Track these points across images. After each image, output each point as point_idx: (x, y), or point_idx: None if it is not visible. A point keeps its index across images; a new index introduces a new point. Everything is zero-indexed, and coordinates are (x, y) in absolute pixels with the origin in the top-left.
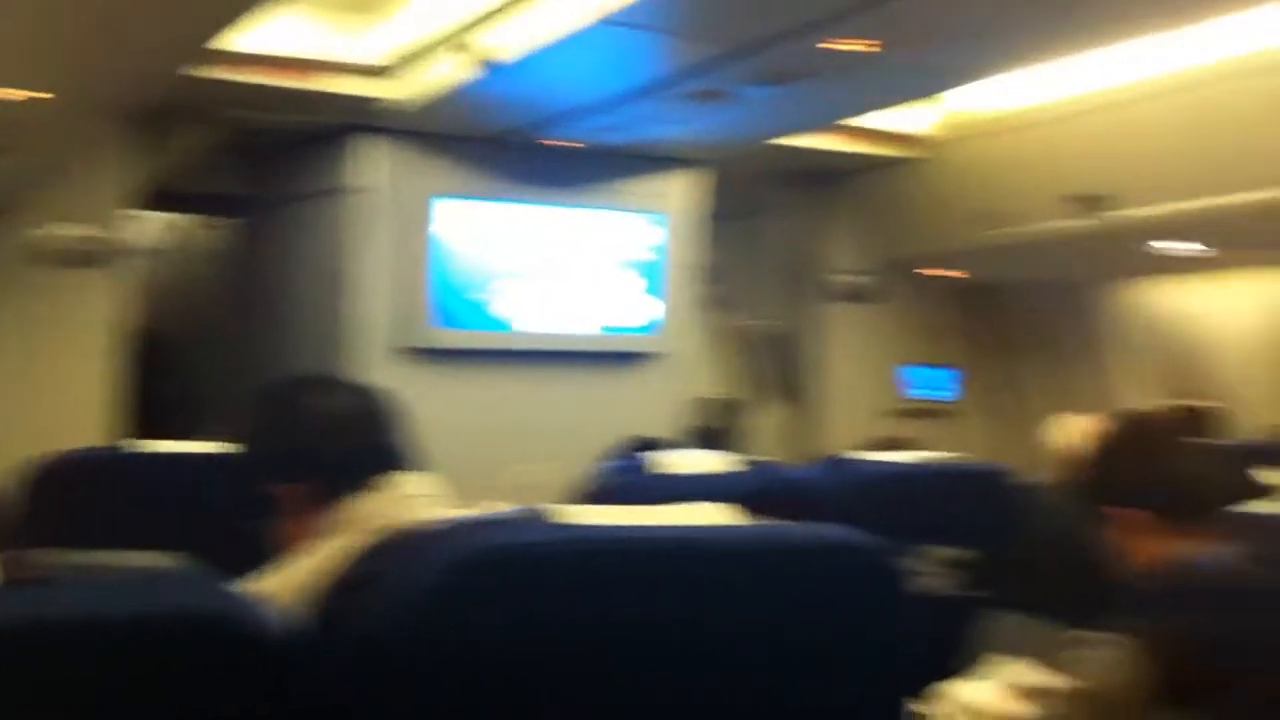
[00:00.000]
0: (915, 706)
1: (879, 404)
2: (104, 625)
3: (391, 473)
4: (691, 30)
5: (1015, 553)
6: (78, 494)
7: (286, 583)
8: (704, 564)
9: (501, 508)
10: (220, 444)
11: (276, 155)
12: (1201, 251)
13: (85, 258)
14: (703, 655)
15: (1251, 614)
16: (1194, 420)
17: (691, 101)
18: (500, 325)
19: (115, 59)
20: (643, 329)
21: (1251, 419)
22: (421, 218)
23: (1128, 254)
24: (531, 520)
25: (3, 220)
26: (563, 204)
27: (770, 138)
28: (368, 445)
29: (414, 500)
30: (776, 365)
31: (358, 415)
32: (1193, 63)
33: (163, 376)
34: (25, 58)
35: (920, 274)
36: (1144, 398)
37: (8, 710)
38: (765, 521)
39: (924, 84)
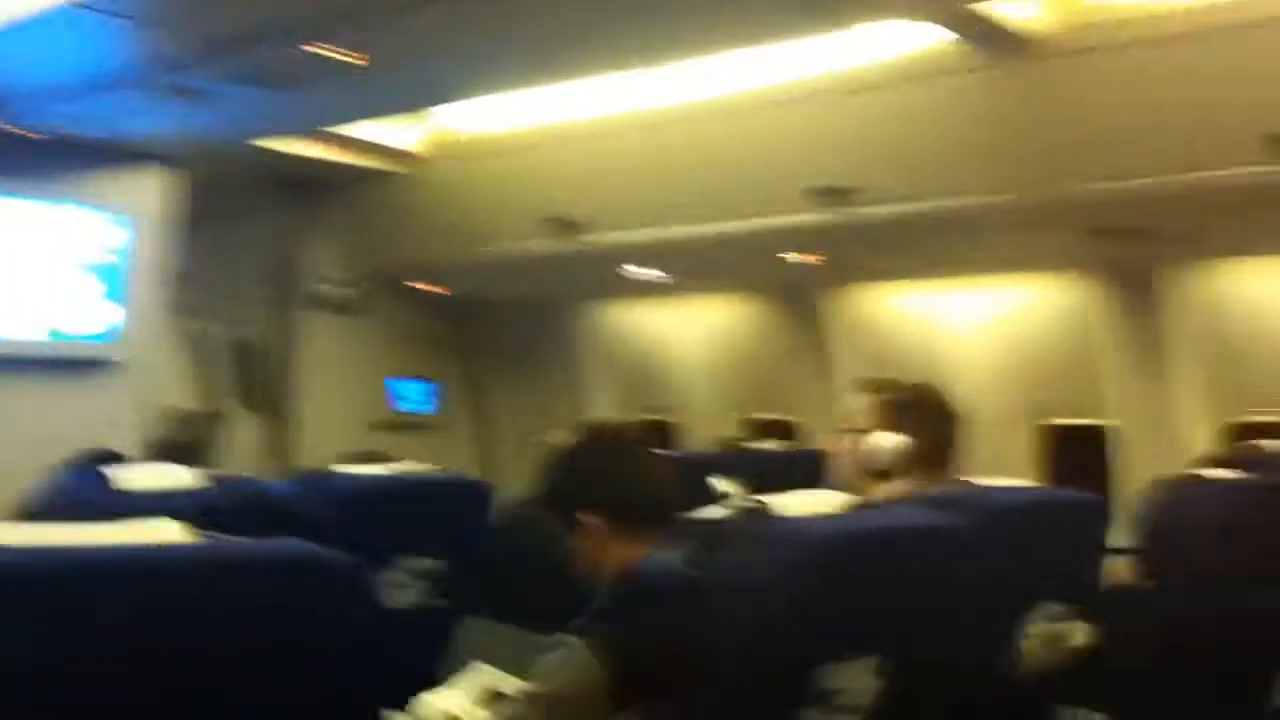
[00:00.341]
0: (392, 718)
1: (362, 416)
2: None
3: None
4: (164, 21)
5: (490, 562)
6: None
7: None
8: (153, 583)
9: None
10: None
11: None
12: (663, 277)
13: None
14: (159, 679)
15: (696, 613)
16: (653, 432)
17: (167, 97)
18: None
19: None
20: (101, 335)
21: (705, 431)
22: None
23: (600, 276)
24: None
25: None
26: (10, 198)
27: (253, 140)
28: None
29: None
30: (254, 376)
31: None
32: (661, 102)
33: None
34: None
35: (407, 287)
36: (611, 411)
37: None
38: (230, 538)
39: (409, 99)
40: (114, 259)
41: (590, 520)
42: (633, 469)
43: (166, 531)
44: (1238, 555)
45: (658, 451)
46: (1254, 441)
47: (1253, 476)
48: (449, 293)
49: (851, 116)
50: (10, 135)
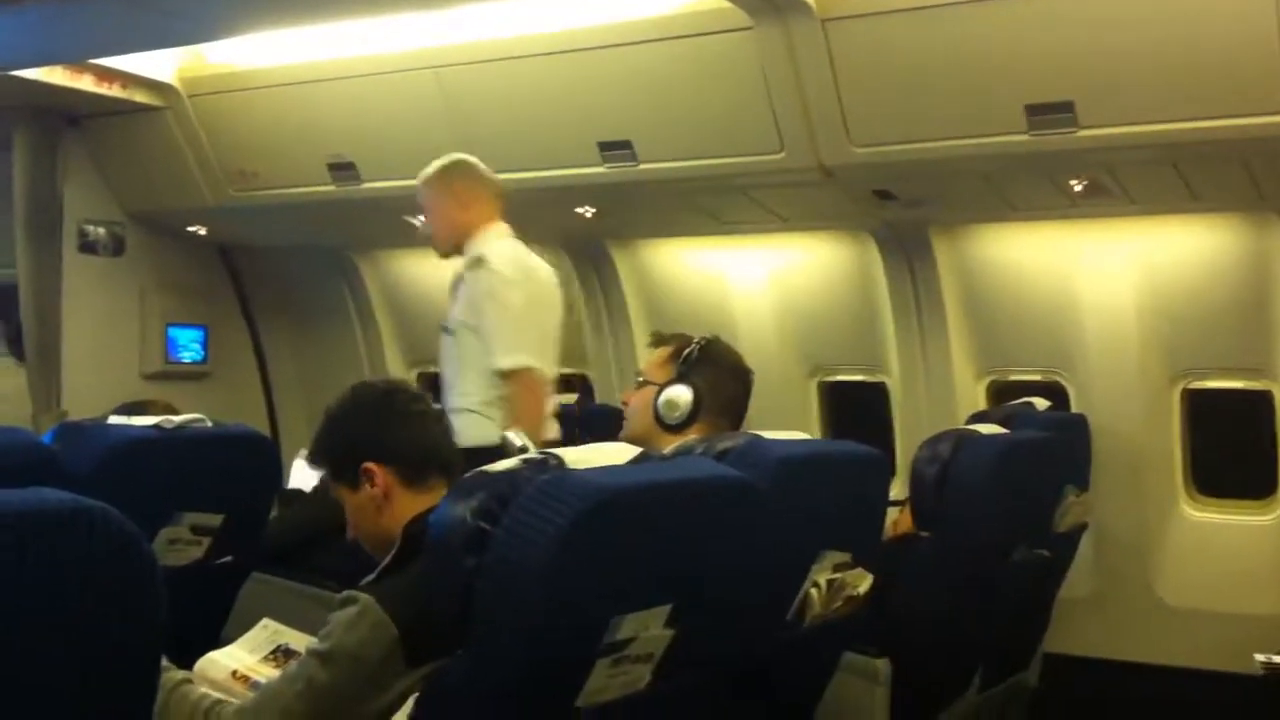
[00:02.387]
0: (173, 674)
1: (136, 365)
2: None
3: None
4: None
5: (273, 517)
6: None
7: None
8: None
9: None
10: None
11: None
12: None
13: None
14: None
15: (486, 567)
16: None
17: None
18: None
19: None
20: None
21: None
22: None
23: (382, 223)
24: None
25: None
26: None
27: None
28: None
29: None
30: (6, 318)
31: None
32: (447, 42)
33: None
34: None
35: (181, 230)
36: (398, 363)
37: None
38: None
39: (165, 30)
40: None
41: (377, 471)
42: (416, 421)
43: None
44: (1005, 505)
45: (433, 407)
46: (1025, 399)
47: (1018, 432)
48: (219, 236)
49: (633, 69)
50: None
